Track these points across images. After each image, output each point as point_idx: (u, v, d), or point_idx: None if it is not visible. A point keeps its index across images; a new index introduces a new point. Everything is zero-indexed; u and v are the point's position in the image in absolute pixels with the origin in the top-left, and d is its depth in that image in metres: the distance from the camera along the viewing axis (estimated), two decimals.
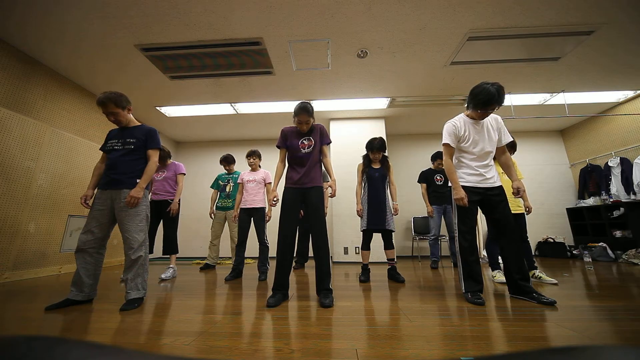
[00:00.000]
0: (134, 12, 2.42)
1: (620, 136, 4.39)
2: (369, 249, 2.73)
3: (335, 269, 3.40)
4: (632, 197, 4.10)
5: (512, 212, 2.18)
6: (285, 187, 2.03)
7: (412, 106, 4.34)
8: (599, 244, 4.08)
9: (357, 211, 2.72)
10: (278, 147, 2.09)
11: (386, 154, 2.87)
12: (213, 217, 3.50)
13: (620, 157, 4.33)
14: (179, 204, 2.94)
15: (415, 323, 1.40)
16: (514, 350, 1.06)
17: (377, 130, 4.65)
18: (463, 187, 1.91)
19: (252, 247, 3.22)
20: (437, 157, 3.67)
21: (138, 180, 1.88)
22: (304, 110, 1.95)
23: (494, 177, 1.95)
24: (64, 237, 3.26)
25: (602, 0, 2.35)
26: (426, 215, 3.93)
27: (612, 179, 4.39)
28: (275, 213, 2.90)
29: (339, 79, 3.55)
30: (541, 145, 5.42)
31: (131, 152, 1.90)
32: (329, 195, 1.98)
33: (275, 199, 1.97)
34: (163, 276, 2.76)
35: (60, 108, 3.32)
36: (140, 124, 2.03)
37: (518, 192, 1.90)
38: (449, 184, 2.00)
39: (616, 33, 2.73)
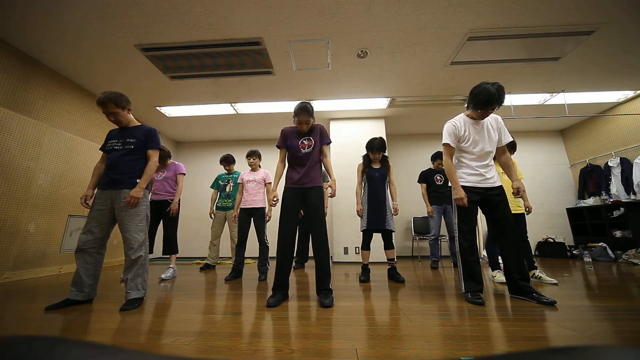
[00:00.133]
0: (134, 12, 2.42)
1: (620, 136, 4.39)
2: (369, 249, 2.73)
3: (335, 269, 3.40)
4: (632, 197, 4.10)
5: (512, 212, 2.18)
6: (285, 187, 2.03)
7: (412, 106, 4.34)
8: (599, 244, 4.08)
9: (357, 211, 2.72)
10: (278, 147, 2.09)
11: (386, 154, 2.87)
12: (213, 217, 3.50)
13: (620, 157, 4.33)
14: (178, 204, 2.94)
15: (415, 323, 1.40)
16: (514, 350, 1.06)
17: (377, 130, 4.65)
18: (463, 187, 1.91)
19: (252, 247, 3.22)
20: (437, 157, 3.67)
21: (138, 180, 1.88)
22: (304, 110, 1.95)
23: (494, 177, 1.95)
24: (64, 237, 3.26)
25: (602, 0, 2.35)
26: (426, 215, 3.93)
27: (612, 179, 4.39)
28: (275, 213, 2.90)
29: (339, 79, 3.55)
30: (541, 145, 5.42)
31: (131, 152, 1.90)
32: (329, 195, 1.98)
33: (275, 199, 1.97)
34: (163, 276, 2.76)
35: (60, 108, 3.32)
36: (140, 124, 2.03)
37: (518, 192, 1.89)
38: (449, 184, 2.00)
39: (616, 33, 2.73)
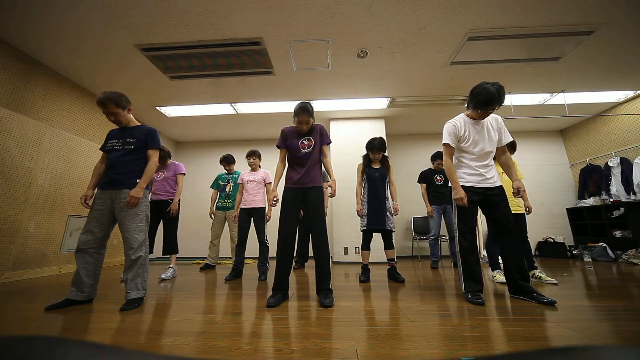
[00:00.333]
0: (134, 12, 2.42)
1: (620, 136, 4.39)
2: (369, 249, 2.73)
3: (335, 269, 3.40)
4: (632, 197, 4.10)
5: (512, 212, 2.18)
6: (285, 187, 2.03)
7: (412, 106, 4.34)
8: (599, 244, 4.08)
9: (357, 211, 2.72)
10: (278, 147, 2.09)
11: (386, 154, 2.87)
12: (213, 217, 3.50)
13: (620, 157, 4.33)
14: (178, 204, 2.94)
15: (415, 323, 1.40)
16: (514, 350, 1.06)
17: (377, 130, 4.65)
18: (463, 187, 1.91)
19: (252, 247, 3.22)
20: (437, 157, 3.67)
21: (138, 180, 1.88)
22: (304, 110, 1.95)
23: (494, 177, 1.95)
24: (64, 237, 3.26)
25: (602, 0, 2.35)
26: (426, 215, 3.93)
27: (612, 179, 4.39)
28: (275, 213, 2.90)
29: (339, 79, 3.55)
30: (541, 145, 5.42)
31: (131, 152, 1.90)
32: (329, 195, 1.98)
33: (275, 199, 1.97)
34: (163, 276, 2.76)
35: (60, 108, 3.32)
36: (140, 124, 2.03)
37: (518, 192, 1.89)
38: (449, 184, 2.00)
39: (616, 33, 2.73)
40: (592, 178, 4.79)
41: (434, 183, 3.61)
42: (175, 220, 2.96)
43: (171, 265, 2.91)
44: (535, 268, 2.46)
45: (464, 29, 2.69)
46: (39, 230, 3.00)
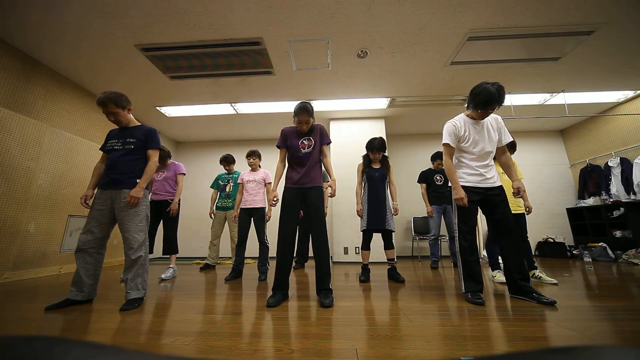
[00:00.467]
0: (134, 12, 2.42)
1: (620, 136, 4.39)
2: (369, 249, 2.73)
3: (335, 269, 3.40)
4: (632, 197, 4.10)
5: (512, 212, 2.18)
6: (285, 187, 2.03)
7: (412, 106, 4.34)
8: (599, 244, 4.08)
9: (357, 211, 2.72)
10: (278, 147, 2.09)
11: (386, 154, 2.87)
12: (213, 217, 3.50)
13: (620, 157, 4.33)
14: (178, 204, 2.94)
15: (415, 323, 1.40)
16: (514, 350, 1.06)
17: (377, 130, 4.65)
18: (463, 187, 1.91)
19: (252, 247, 3.22)
20: (437, 157, 3.67)
21: (138, 180, 1.88)
22: (304, 110, 1.95)
23: (494, 177, 1.95)
24: (64, 237, 3.26)
25: (602, 0, 2.35)
26: (426, 215, 3.93)
27: (612, 179, 4.39)
28: (275, 213, 2.90)
29: (339, 79, 3.55)
30: (541, 145, 5.42)
31: (131, 152, 1.90)
32: (329, 195, 1.98)
33: (275, 199, 1.97)
34: (163, 276, 2.76)
35: (60, 108, 3.32)
36: (140, 124, 2.03)
37: (518, 192, 1.89)
38: (449, 184, 2.00)
39: (616, 33, 2.73)
40: (592, 178, 4.79)
41: (434, 183, 3.61)
42: (175, 220, 2.96)
43: (171, 265, 2.91)
44: (535, 268, 2.46)
45: (464, 29, 2.69)
46: (39, 230, 3.00)
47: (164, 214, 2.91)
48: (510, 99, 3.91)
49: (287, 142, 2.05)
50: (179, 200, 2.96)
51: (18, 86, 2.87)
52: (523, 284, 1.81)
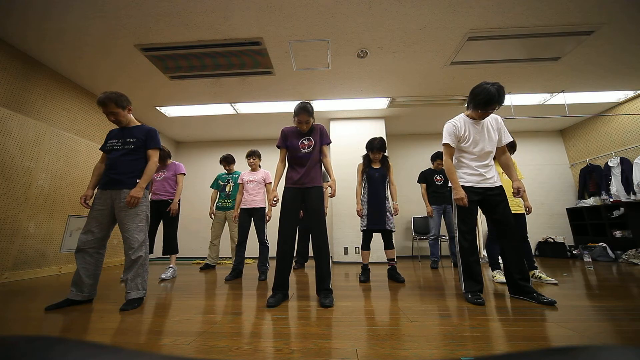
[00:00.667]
0: (134, 12, 2.42)
1: (620, 136, 4.39)
2: (369, 249, 2.73)
3: (335, 269, 3.40)
4: (632, 197, 4.10)
5: (512, 212, 2.18)
6: (285, 187, 2.03)
7: (412, 106, 4.34)
8: (599, 244, 4.08)
9: (357, 211, 2.72)
10: (278, 147, 2.09)
11: (386, 154, 2.87)
12: (213, 217, 3.50)
13: (620, 157, 4.33)
14: (178, 204, 2.94)
15: (415, 323, 1.40)
16: (514, 350, 1.06)
17: (377, 130, 4.65)
18: (463, 187, 1.91)
19: (252, 247, 3.22)
20: (437, 157, 3.66)
21: (138, 180, 1.88)
22: (304, 110, 1.95)
23: (494, 177, 1.95)
24: (64, 237, 3.26)
25: (602, 0, 2.35)
26: (426, 215, 3.93)
27: (612, 179, 4.39)
28: (275, 213, 2.90)
29: (339, 79, 3.55)
30: (541, 145, 5.42)
31: (131, 152, 1.90)
32: (329, 195, 1.98)
33: (275, 199, 1.97)
34: (163, 276, 2.76)
35: (60, 108, 3.32)
36: (140, 124, 2.03)
37: (518, 192, 1.89)
38: (449, 184, 2.00)
39: (616, 33, 2.73)
40: (592, 178, 4.79)
41: (434, 183, 3.61)
42: (175, 220, 2.97)
43: (171, 265, 2.91)
44: (535, 268, 2.46)
45: (464, 29, 2.69)
46: (39, 230, 3.00)
47: (164, 214, 2.91)
48: (510, 99, 3.91)
49: (287, 142, 2.05)
50: (179, 200, 2.96)
51: (18, 86, 2.87)
52: (523, 284, 1.81)
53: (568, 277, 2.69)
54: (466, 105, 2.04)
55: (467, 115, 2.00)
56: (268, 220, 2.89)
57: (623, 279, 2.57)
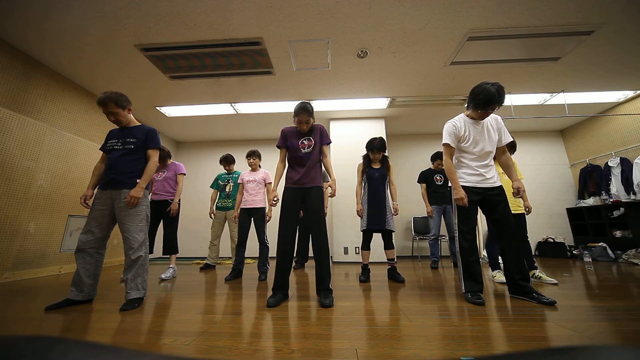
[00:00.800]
0: (134, 12, 2.42)
1: (620, 136, 4.39)
2: (369, 249, 2.73)
3: (335, 269, 3.40)
4: (632, 197, 4.10)
5: (512, 212, 2.18)
6: (285, 187, 2.03)
7: (412, 106, 4.34)
8: (599, 244, 4.08)
9: (357, 211, 2.72)
10: (278, 147, 2.09)
11: (386, 154, 2.87)
12: (213, 217, 3.50)
13: (620, 157, 4.33)
14: (178, 204, 2.94)
15: (415, 323, 1.40)
16: (514, 350, 1.06)
17: (377, 130, 4.65)
18: (463, 187, 1.91)
19: (252, 247, 3.22)
20: (437, 157, 3.66)
21: (138, 180, 1.88)
22: (304, 110, 1.95)
23: (494, 177, 1.95)
24: (64, 237, 3.26)
25: (602, 0, 2.35)
26: (426, 215, 3.93)
27: (612, 179, 4.39)
28: (275, 213, 2.90)
29: (339, 79, 3.55)
30: (541, 145, 5.42)
31: (131, 152, 1.90)
32: (329, 195, 1.98)
33: (275, 199, 1.97)
34: (163, 276, 2.76)
35: (60, 108, 3.32)
36: (140, 124, 2.03)
37: (518, 192, 1.89)
38: (449, 184, 2.00)
39: (616, 33, 2.73)
40: (592, 178, 4.79)
41: (434, 183, 3.61)
42: (175, 220, 2.97)
43: (171, 265, 2.91)
44: (535, 268, 2.46)
45: (464, 29, 2.69)
46: (39, 230, 3.00)
47: (164, 214, 2.91)
48: (510, 99, 3.91)
49: (287, 142, 2.05)
50: (179, 200, 2.96)
51: (18, 86, 2.87)
52: (523, 284, 1.81)
53: (568, 277, 2.69)
54: (466, 105, 2.04)
55: (467, 115, 2.00)
56: (268, 220, 2.89)
57: (623, 279, 2.57)
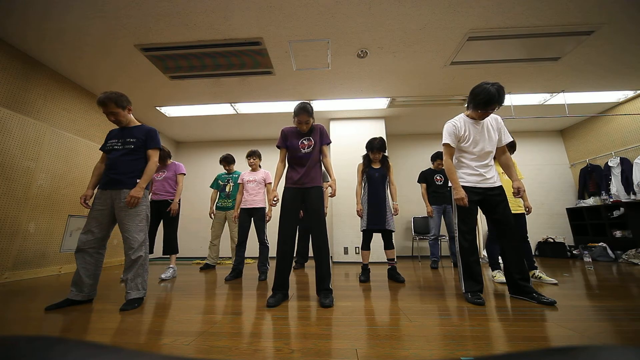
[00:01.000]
0: (134, 12, 2.42)
1: (620, 136, 4.39)
2: (369, 249, 2.73)
3: (335, 269, 3.40)
4: (632, 197, 4.10)
5: (512, 212, 2.18)
6: (285, 187, 2.03)
7: (412, 106, 4.34)
8: (599, 244, 4.08)
9: (357, 211, 2.72)
10: (278, 147, 2.09)
11: (386, 154, 2.87)
12: (213, 217, 3.50)
13: (620, 157, 4.33)
14: (179, 204, 2.94)
15: (415, 323, 1.40)
16: (514, 350, 1.06)
17: (377, 130, 4.65)
18: (463, 187, 1.91)
19: (252, 247, 3.22)
20: (437, 157, 3.66)
21: (138, 180, 1.88)
22: (304, 111, 1.96)
23: (494, 177, 1.95)
24: (64, 237, 3.26)
25: (602, 0, 2.35)
26: (426, 215, 3.93)
27: (612, 179, 4.39)
28: (275, 213, 2.90)
29: (339, 79, 3.55)
30: (541, 145, 5.42)
31: (131, 152, 1.90)
32: (329, 195, 1.98)
33: (275, 199, 1.97)
34: (163, 276, 2.76)
35: (60, 108, 3.32)
36: (140, 124, 2.03)
37: (518, 192, 1.90)
38: (449, 184, 2.00)
39: (616, 33, 2.73)
40: (592, 178, 4.79)
41: (434, 183, 3.61)
42: (175, 220, 2.97)
43: (171, 265, 2.91)
44: (535, 268, 2.46)
45: (464, 29, 2.69)
46: (39, 230, 3.00)
47: (164, 214, 2.91)
48: (510, 99, 3.91)
49: (287, 142, 2.05)
50: (179, 200, 2.96)
51: (18, 86, 2.87)
52: (523, 284, 1.81)
53: (568, 277, 2.69)
54: (466, 105, 2.04)
55: (467, 115, 2.00)
56: (268, 220, 2.89)
57: (623, 279, 2.57)
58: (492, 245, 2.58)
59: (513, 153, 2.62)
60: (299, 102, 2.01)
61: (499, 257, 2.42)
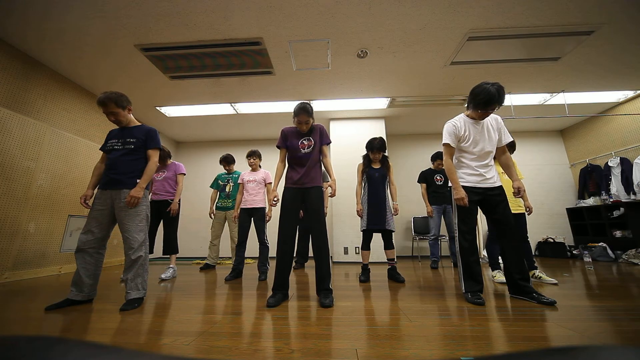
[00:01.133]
0: (134, 12, 2.42)
1: (620, 136, 4.39)
2: (369, 249, 2.73)
3: (335, 269, 3.40)
4: (632, 197, 4.10)
5: (513, 212, 2.18)
6: (285, 187, 2.03)
7: (412, 106, 4.34)
8: (599, 244, 4.08)
9: (357, 211, 2.72)
10: (278, 147, 2.09)
11: (386, 154, 2.87)
12: (213, 217, 3.50)
13: (620, 157, 4.33)
14: (179, 204, 2.94)
15: (415, 323, 1.40)
16: (514, 350, 1.06)
17: (377, 130, 4.65)
18: (463, 187, 1.91)
19: (252, 247, 3.22)
20: (437, 157, 3.66)
21: (138, 180, 1.88)
22: (304, 111, 1.96)
23: (494, 177, 1.95)
24: (64, 237, 3.26)
25: (602, 0, 2.35)
26: (426, 215, 3.93)
27: (612, 179, 4.39)
28: (275, 213, 2.90)
29: (339, 79, 3.55)
30: (541, 145, 5.42)
31: (131, 152, 1.90)
32: (329, 195, 1.99)
33: (275, 199, 1.97)
34: (163, 276, 2.76)
35: (60, 108, 3.32)
36: (140, 124, 2.03)
37: (518, 192, 1.90)
38: (449, 184, 2.00)
39: (616, 33, 2.73)
40: (592, 178, 4.79)
41: (434, 183, 3.61)
42: (175, 220, 2.97)
43: (171, 265, 2.91)
44: (535, 268, 2.46)
45: (464, 29, 2.69)
46: (39, 230, 3.00)
47: (164, 214, 2.91)
48: (510, 99, 3.91)
49: (287, 142, 2.06)
50: (179, 200, 2.96)
51: (18, 86, 2.87)
52: (523, 284, 1.81)
53: (568, 277, 2.69)
54: (466, 105, 2.04)
55: (467, 115, 2.00)
56: (268, 220, 2.89)
57: (623, 279, 2.57)
58: (492, 245, 2.58)
59: (513, 153, 2.62)
60: (298, 102, 2.01)
61: (499, 257, 2.42)
